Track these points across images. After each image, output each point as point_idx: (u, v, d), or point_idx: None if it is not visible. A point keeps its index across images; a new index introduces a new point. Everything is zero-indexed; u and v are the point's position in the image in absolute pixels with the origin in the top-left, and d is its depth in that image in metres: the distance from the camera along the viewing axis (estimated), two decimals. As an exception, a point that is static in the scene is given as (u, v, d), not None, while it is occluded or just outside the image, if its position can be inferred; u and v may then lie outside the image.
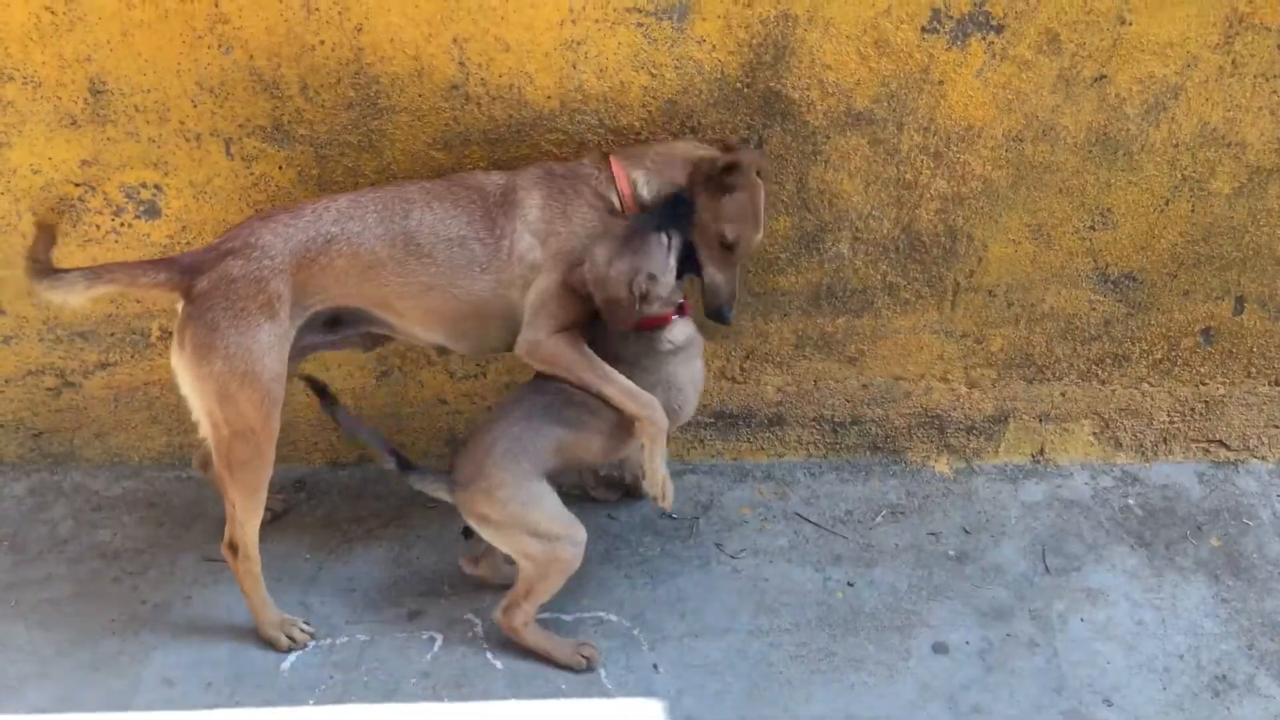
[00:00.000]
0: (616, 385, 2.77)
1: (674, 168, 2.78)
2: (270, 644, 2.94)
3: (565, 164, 2.84)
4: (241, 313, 2.58)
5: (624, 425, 2.81)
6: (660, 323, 2.80)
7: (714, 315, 2.89)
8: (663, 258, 2.70)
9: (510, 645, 2.95)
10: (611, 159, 2.81)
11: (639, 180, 2.78)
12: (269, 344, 2.62)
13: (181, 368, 2.65)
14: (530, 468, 2.75)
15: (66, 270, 2.67)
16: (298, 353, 2.78)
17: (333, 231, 2.66)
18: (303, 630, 2.96)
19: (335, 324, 2.83)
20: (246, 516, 2.79)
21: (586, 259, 2.70)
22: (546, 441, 2.77)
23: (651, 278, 2.68)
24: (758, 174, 2.81)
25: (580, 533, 2.80)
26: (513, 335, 2.82)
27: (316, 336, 2.83)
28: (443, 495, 2.80)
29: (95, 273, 2.64)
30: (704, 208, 2.75)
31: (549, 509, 2.77)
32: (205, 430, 2.73)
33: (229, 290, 2.58)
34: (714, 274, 2.84)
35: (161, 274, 2.61)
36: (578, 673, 2.90)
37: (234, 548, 2.82)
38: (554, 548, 2.76)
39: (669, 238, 2.71)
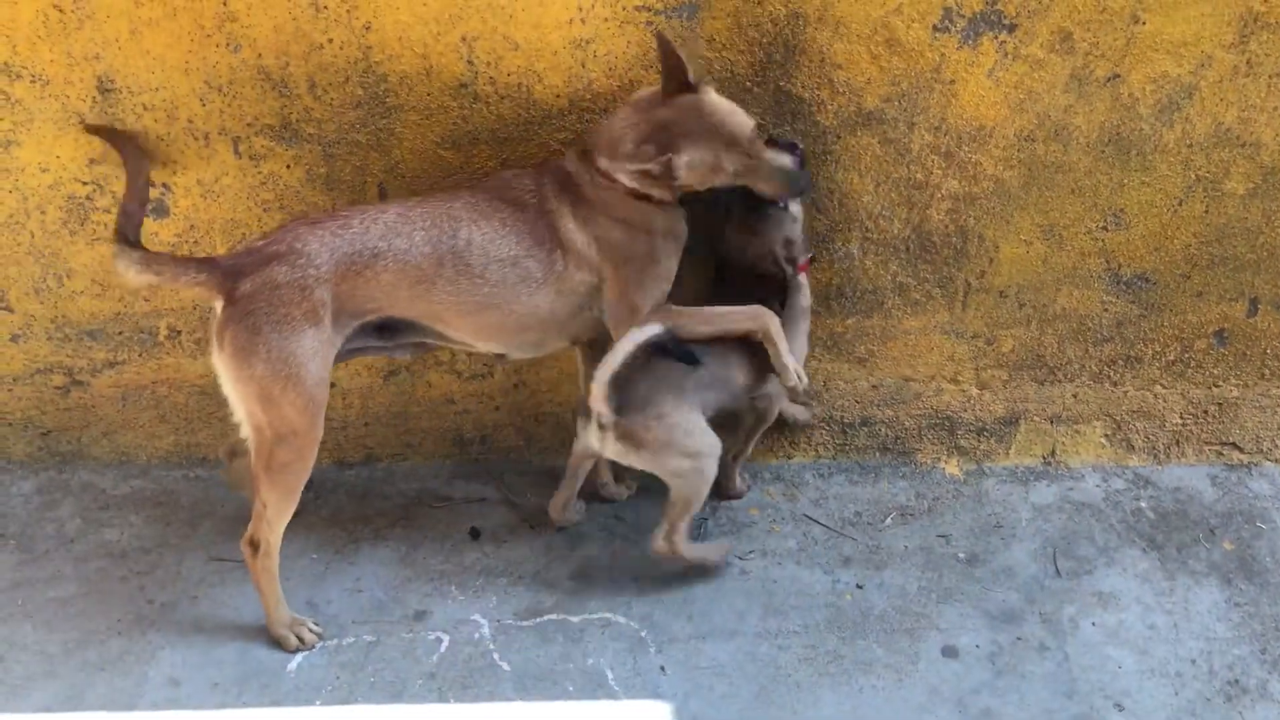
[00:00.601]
0: (724, 318, 2.91)
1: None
2: (279, 643, 2.93)
3: (568, 160, 2.83)
4: (285, 318, 2.57)
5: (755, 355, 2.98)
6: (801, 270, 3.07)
7: (796, 194, 2.93)
8: (788, 221, 2.95)
9: (516, 646, 2.95)
10: (595, 157, 2.78)
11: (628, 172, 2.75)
12: (313, 349, 2.61)
13: (222, 368, 2.64)
14: (692, 399, 2.94)
15: (134, 246, 2.62)
16: (344, 355, 2.78)
17: (379, 246, 2.64)
18: (311, 631, 2.96)
19: (387, 331, 2.83)
20: (278, 517, 2.79)
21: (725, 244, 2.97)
22: (702, 376, 2.92)
23: (789, 243, 2.96)
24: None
25: (717, 443, 2.98)
26: (578, 333, 2.93)
27: (368, 341, 2.84)
28: (592, 431, 2.93)
29: (147, 259, 2.60)
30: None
31: (699, 431, 2.96)
32: (246, 431, 2.71)
33: (273, 295, 2.56)
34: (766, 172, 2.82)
35: (204, 274, 2.59)
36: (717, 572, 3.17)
37: (255, 545, 2.81)
38: (703, 464, 2.95)
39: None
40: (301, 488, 2.78)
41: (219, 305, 2.62)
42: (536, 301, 2.79)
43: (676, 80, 2.69)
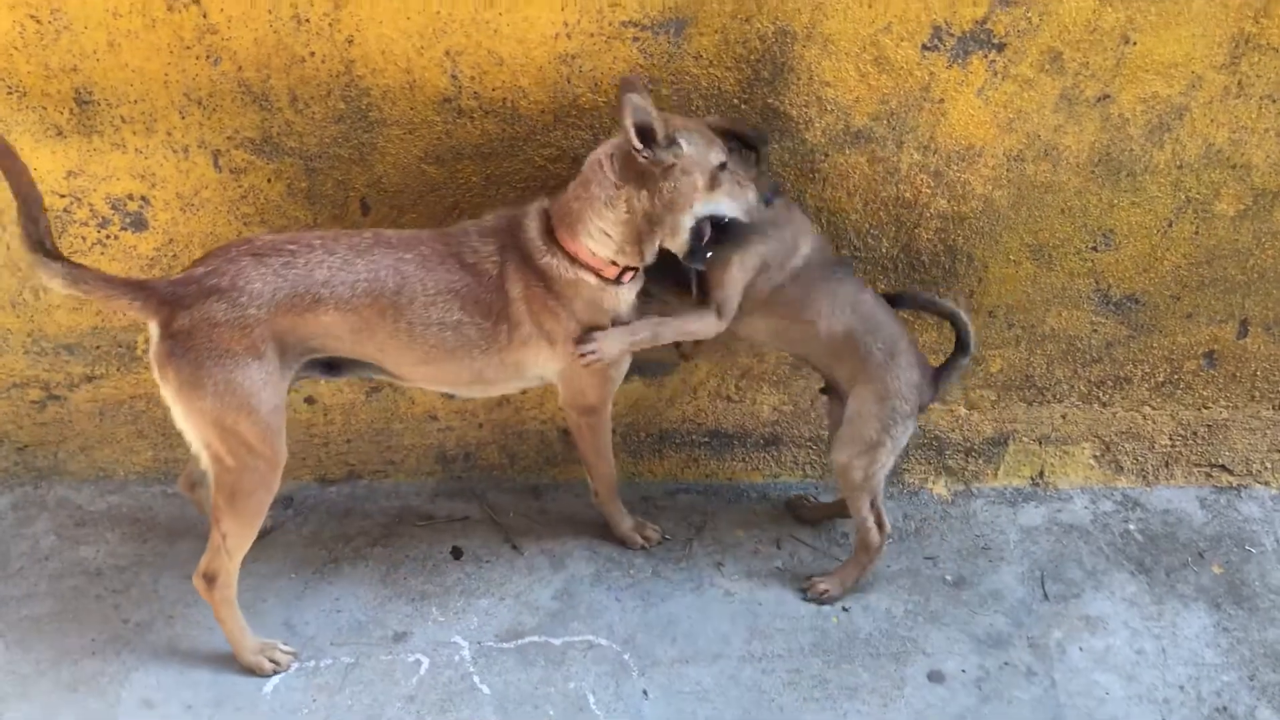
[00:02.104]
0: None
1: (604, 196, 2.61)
2: (252, 671, 2.88)
3: (530, 229, 2.69)
4: (227, 353, 2.50)
5: None
6: None
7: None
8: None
9: (497, 669, 2.91)
10: (556, 230, 2.66)
11: (593, 246, 2.65)
12: (261, 379, 2.55)
13: (171, 401, 2.56)
14: None
15: (57, 256, 2.47)
16: (296, 378, 2.72)
17: (321, 293, 2.56)
18: (283, 651, 2.91)
19: (335, 367, 2.78)
20: (237, 548, 2.73)
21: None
22: None
23: None
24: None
25: None
26: (529, 385, 2.91)
27: (317, 374, 2.79)
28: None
29: (74, 275, 2.47)
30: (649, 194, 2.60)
31: None
32: (205, 462, 2.64)
33: (212, 333, 2.49)
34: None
35: (138, 299, 2.49)
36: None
37: (211, 578, 2.74)
38: None
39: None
40: (264, 514, 2.73)
41: (154, 331, 2.53)
42: (478, 365, 2.74)
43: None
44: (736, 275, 2.78)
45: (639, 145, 2.48)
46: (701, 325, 2.81)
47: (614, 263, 2.67)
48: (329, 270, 2.57)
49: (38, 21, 2.69)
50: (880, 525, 3.06)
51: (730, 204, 2.67)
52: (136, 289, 2.50)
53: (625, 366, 2.88)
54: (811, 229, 2.89)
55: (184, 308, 2.50)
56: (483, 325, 2.68)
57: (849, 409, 2.94)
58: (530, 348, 2.73)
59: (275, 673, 2.89)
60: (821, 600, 3.13)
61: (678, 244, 2.68)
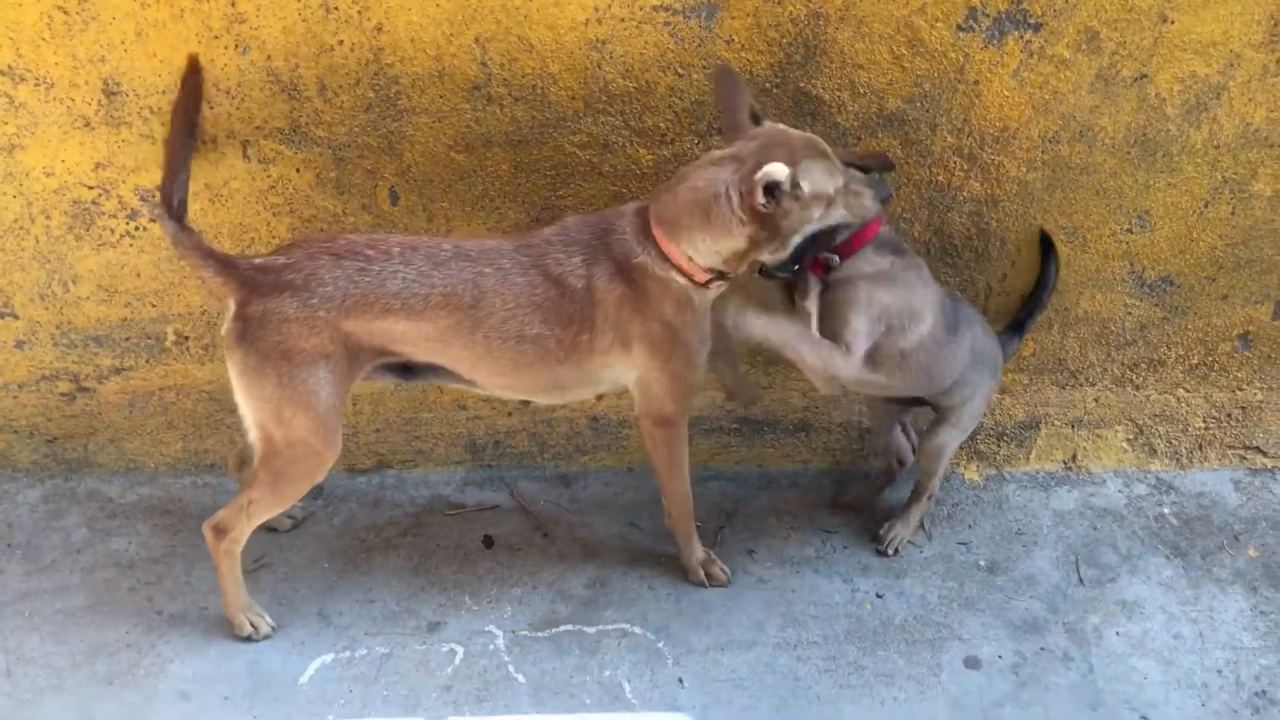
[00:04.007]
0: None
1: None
2: (234, 627, 2.93)
3: (620, 233, 2.64)
4: (294, 350, 2.52)
5: None
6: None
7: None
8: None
9: (532, 658, 2.91)
10: (654, 231, 2.61)
11: (693, 254, 2.60)
12: (324, 379, 2.56)
13: (234, 382, 2.59)
14: None
15: (176, 216, 2.60)
16: (368, 377, 2.75)
17: (393, 304, 2.55)
18: (267, 622, 2.94)
19: (410, 370, 2.78)
20: (259, 514, 2.77)
21: None
22: None
23: None
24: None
25: None
26: (604, 387, 2.85)
27: (390, 376, 2.80)
28: None
29: (179, 236, 2.56)
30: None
31: None
32: (254, 438, 2.66)
33: (281, 327, 2.51)
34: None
35: (223, 275, 2.53)
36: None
37: (222, 531, 2.77)
38: None
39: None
40: (299, 499, 2.77)
41: (231, 309, 2.56)
42: (556, 374, 2.71)
43: (741, 113, 2.58)
44: (864, 321, 2.76)
45: (763, 200, 2.46)
46: (831, 362, 2.72)
47: (708, 269, 2.63)
48: (403, 281, 2.55)
49: (65, 12, 2.67)
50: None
51: (842, 214, 2.65)
52: (225, 264, 2.54)
53: (702, 373, 2.80)
54: (936, 294, 2.87)
55: (260, 295, 2.52)
56: (562, 336, 2.64)
57: (974, 389, 3.02)
58: (610, 354, 2.70)
59: (250, 638, 2.92)
60: (896, 547, 3.23)
61: (778, 258, 2.68)
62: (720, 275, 2.65)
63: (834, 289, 2.79)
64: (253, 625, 2.93)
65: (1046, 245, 3.11)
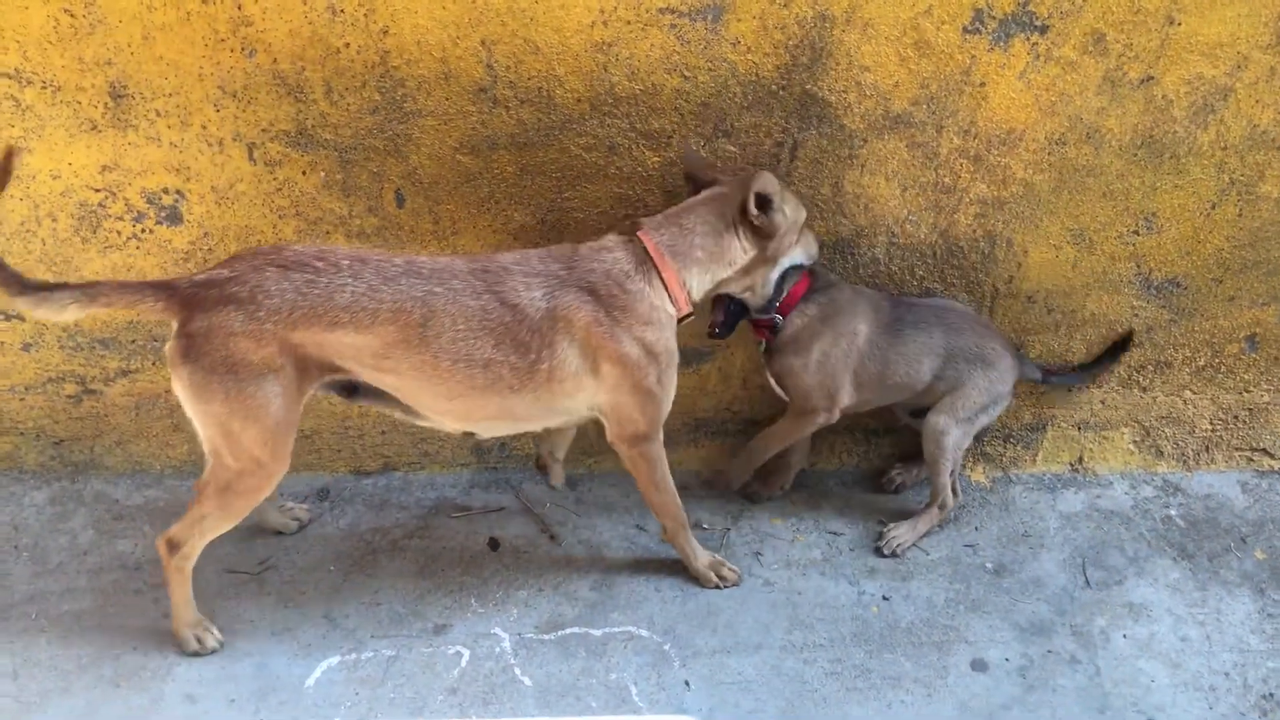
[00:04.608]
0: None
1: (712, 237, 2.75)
2: (179, 642, 2.91)
3: (599, 261, 2.67)
4: (241, 363, 2.48)
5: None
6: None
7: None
8: None
9: (538, 660, 2.90)
10: (656, 259, 2.69)
11: (691, 284, 2.75)
12: (273, 392, 2.52)
13: (181, 396, 2.55)
14: None
15: (55, 287, 2.48)
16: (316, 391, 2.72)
17: (341, 317, 2.51)
18: (214, 636, 2.92)
19: (353, 390, 2.76)
20: (212, 530, 2.75)
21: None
22: None
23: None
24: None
25: None
26: (559, 418, 2.84)
27: (330, 392, 2.77)
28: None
29: (90, 294, 2.48)
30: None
31: None
32: (208, 452, 2.64)
33: (227, 341, 2.46)
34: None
35: (160, 300, 2.48)
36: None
37: (175, 546, 2.76)
38: None
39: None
40: (248, 513, 2.74)
41: (173, 327, 2.52)
42: (510, 403, 2.67)
43: (708, 172, 2.83)
44: (813, 376, 3.05)
45: (756, 211, 2.69)
46: (817, 423, 3.14)
47: (692, 303, 2.76)
48: (352, 294, 2.52)
49: (72, 16, 2.67)
50: (954, 491, 3.25)
51: (803, 254, 2.95)
52: (160, 289, 2.49)
53: (673, 387, 2.81)
54: (864, 304, 3.07)
55: (203, 310, 2.48)
56: (517, 364, 2.61)
57: (961, 381, 3.13)
58: (571, 383, 2.67)
59: (198, 653, 2.90)
60: (894, 549, 3.23)
61: (760, 295, 2.93)
62: (690, 313, 2.79)
63: (782, 354, 3.05)
64: (199, 641, 2.91)
65: (1120, 346, 3.30)
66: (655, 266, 2.67)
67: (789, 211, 2.78)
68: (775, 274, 2.89)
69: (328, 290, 2.51)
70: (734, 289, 2.87)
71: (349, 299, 2.51)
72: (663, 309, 2.69)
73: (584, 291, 2.63)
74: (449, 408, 2.69)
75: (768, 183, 2.67)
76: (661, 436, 2.88)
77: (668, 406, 2.83)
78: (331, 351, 2.57)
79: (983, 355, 3.11)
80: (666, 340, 2.72)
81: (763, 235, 2.75)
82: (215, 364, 2.47)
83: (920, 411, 3.22)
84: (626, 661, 2.93)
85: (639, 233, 2.71)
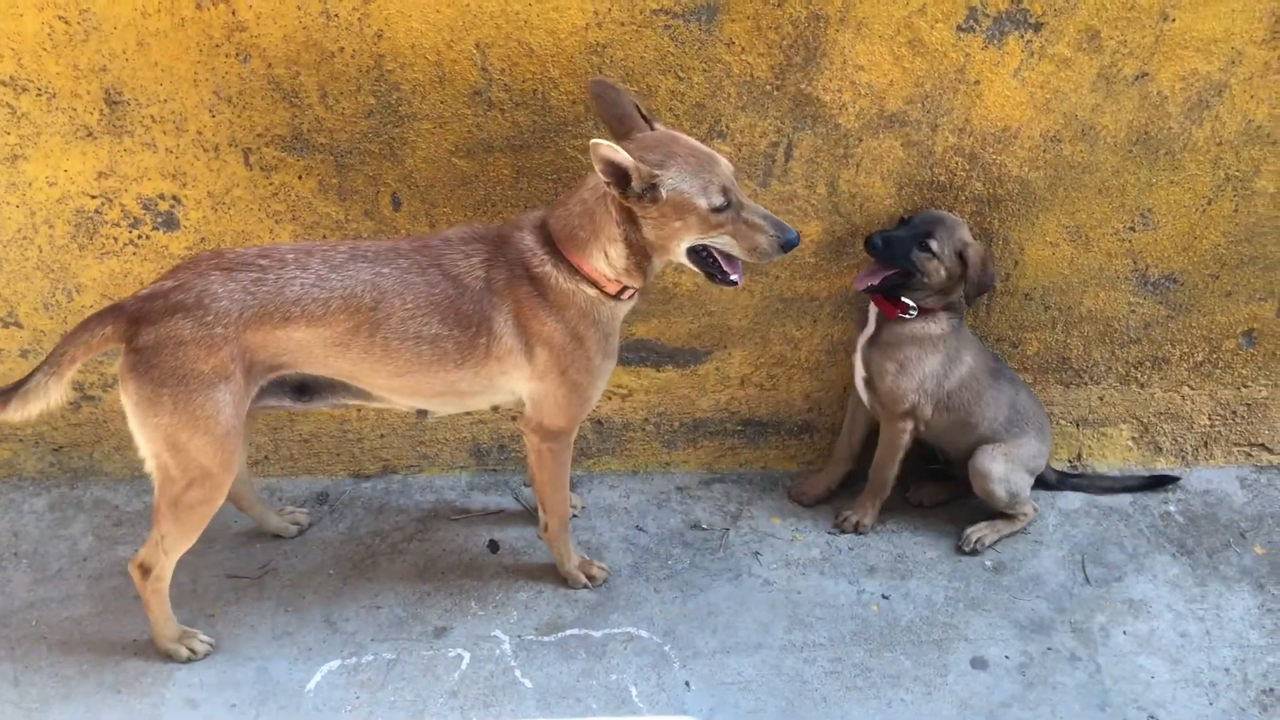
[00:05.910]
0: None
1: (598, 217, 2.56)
2: (169, 656, 2.90)
3: (521, 240, 2.62)
4: (190, 373, 2.45)
5: None
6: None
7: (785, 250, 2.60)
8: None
9: (538, 663, 2.90)
10: (557, 240, 2.60)
11: (598, 264, 2.59)
12: (224, 400, 2.50)
13: (127, 410, 2.53)
14: None
15: (25, 381, 2.48)
16: (260, 406, 2.71)
17: (293, 311, 2.50)
18: (202, 640, 2.92)
19: (304, 390, 2.75)
20: (175, 548, 2.73)
21: None
22: None
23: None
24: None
25: None
26: (500, 397, 2.81)
27: (282, 400, 2.76)
28: None
29: (54, 360, 2.48)
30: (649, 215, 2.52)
31: None
32: (150, 469, 2.61)
33: (177, 351, 2.44)
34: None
35: (108, 328, 2.46)
36: None
37: (146, 570, 2.75)
38: None
39: None
40: (206, 525, 2.70)
41: (121, 347, 2.50)
42: (454, 378, 2.67)
43: (631, 120, 2.52)
44: (914, 380, 3.09)
45: (616, 192, 2.43)
46: (903, 439, 3.20)
47: (616, 280, 2.62)
48: (301, 287, 2.51)
49: (66, 22, 2.67)
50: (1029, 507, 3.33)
51: (732, 244, 2.55)
52: (103, 317, 2.48)
53: (603, 387, 2.80)
54: (976, 341, 3.16)
55: (149, 323, 2.45)
56: (460, 338, 2.61)
57: (1018, 435, 3.21)
58: (507, 361, 2.67)
59: (190, 660, 2.90)
60: (974, 546, 3.25)
61: (688, 267, 2.63)
62: (630, 287, 2.65)
63: (897, 347, 3.09)
64: (190, 649, 2.90)
65: (1161, 480, 3.46)
66: (559, 251, 2.61)
67: (666, 193, 2.44)
68: (681, 253, 2.56)
69: (277, 285, 2.50)
70: (661, 266, 2.65)
71: (299, 291, 2.51)
72: (580, 292, 2.61)
73: (516, 269, 2.61)
74: (398, 384, 2.68)
75: (610, 153, 2.33)
76: (575, 435, 2.89)
77: (591, 404, 2.81)
78: (283, 346, 2.55)
79: (1041, 426, 3.23)
80: (596, 332, 2.67)
81: (628, 215, 2.51)
82: (165, 375, 2.45)
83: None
84: (626, 662, 2.93)
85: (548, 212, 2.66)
